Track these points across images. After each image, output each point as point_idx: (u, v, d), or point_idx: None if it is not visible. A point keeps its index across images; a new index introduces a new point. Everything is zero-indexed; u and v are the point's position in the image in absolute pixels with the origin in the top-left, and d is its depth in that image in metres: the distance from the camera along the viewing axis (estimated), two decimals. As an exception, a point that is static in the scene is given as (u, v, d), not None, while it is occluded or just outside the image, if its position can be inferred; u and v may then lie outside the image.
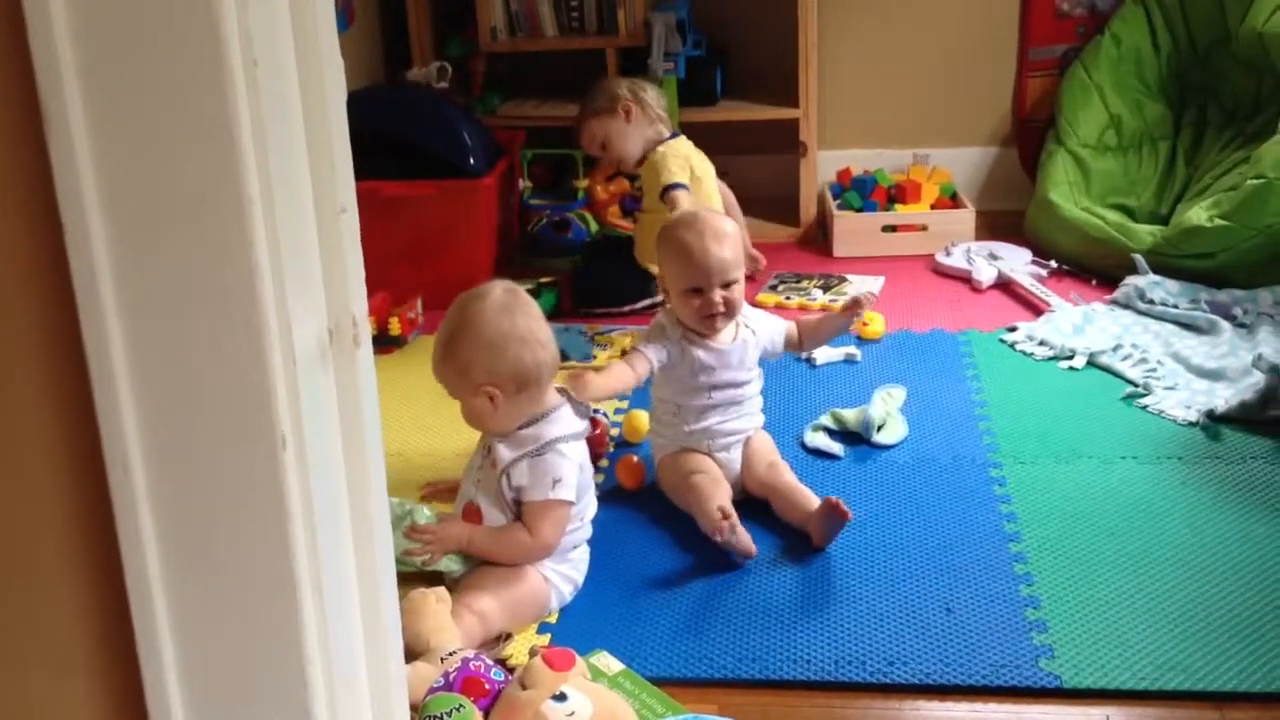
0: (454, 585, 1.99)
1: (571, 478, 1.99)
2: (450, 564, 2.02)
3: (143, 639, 0.99)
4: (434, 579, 2.02)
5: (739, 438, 2.33)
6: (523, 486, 1.98)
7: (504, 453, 2.00)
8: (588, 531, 2.11)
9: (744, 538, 2.09)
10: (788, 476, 2.27)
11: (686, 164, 3.13)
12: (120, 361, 0.92)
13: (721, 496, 2.18)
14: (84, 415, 0.94)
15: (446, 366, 2.01)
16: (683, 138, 3.24)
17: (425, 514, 2.03)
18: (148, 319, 0.92)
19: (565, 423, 2.02)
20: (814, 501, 2.17)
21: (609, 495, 2.36)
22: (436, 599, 1.86)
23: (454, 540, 2.00)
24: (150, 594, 0.97)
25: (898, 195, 3.70)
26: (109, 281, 0.91)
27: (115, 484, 0.95)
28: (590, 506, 2.10)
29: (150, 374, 0.93)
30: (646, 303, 3.25)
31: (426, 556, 1.98)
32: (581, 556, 2.09)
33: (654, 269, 3.20)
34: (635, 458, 2.42)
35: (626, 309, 3.25)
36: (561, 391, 2.07)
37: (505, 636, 1.92)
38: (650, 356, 2.25)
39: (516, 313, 1.99)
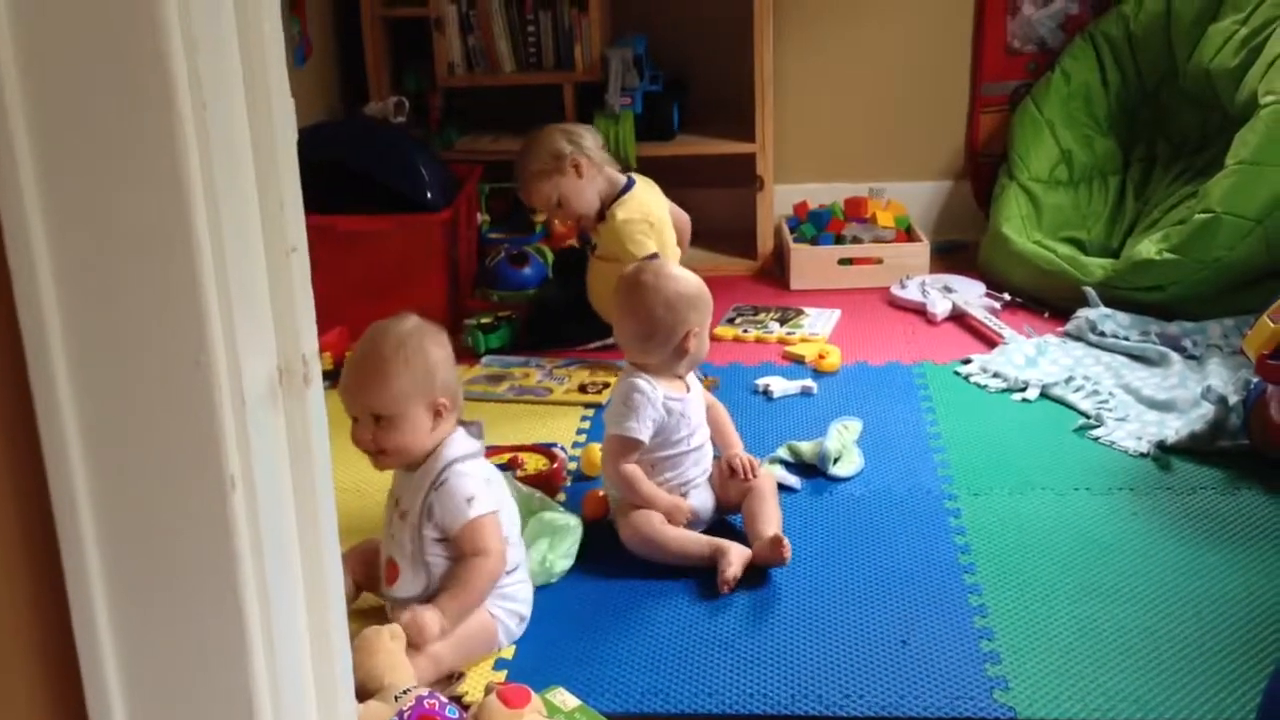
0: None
1: (480, 489, 1.97)
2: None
3: (90, 687, 0.98)
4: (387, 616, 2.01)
5: (706, 476, 2.36)
6: (443, 524, 1.96)
7: (411, 499, 1.98)
8: (521, 553, 2.07)
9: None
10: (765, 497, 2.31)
11: (646, 221, 3.10)
12: (68, 401, 0.92)
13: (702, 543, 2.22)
14: (31, 455, 0.93)
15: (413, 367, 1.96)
16: (639, 184, 3.20)
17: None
18: (95, 360, 0.92)
19: (459, 445, 2.01)
20: (770, 527, 2.21)
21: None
22: (390, 636, 1.85)
23: (431, 628, 1.88)
24: (98, 639, 0.96)
25: (849, 211, 3.72)
26: (57, 322, 0.91)
27: (62, 524, 0.94)
28: (514, 524, 2.06)
29: (98, 415, 0.93)
30: (599, 343, 3.23)
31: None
32: (523, 592, 2.05)
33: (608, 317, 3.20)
34: (600, 491, 2.40)
35: (578, 348, 3.24)
36: (463, 424, 2.06)
37: (457, 675, 1.91)
38: (643, 438, 2.26)
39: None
